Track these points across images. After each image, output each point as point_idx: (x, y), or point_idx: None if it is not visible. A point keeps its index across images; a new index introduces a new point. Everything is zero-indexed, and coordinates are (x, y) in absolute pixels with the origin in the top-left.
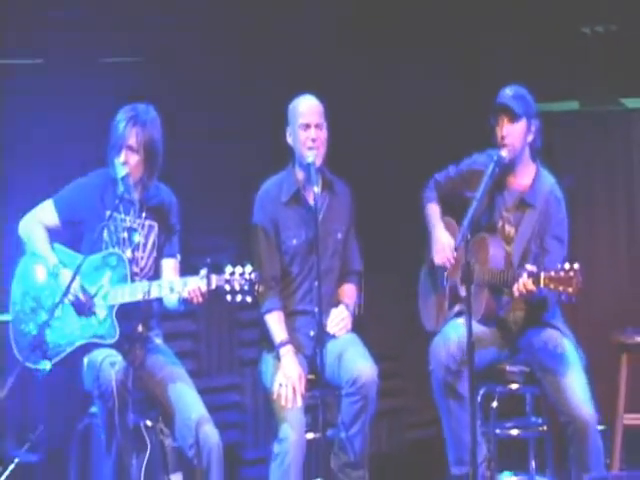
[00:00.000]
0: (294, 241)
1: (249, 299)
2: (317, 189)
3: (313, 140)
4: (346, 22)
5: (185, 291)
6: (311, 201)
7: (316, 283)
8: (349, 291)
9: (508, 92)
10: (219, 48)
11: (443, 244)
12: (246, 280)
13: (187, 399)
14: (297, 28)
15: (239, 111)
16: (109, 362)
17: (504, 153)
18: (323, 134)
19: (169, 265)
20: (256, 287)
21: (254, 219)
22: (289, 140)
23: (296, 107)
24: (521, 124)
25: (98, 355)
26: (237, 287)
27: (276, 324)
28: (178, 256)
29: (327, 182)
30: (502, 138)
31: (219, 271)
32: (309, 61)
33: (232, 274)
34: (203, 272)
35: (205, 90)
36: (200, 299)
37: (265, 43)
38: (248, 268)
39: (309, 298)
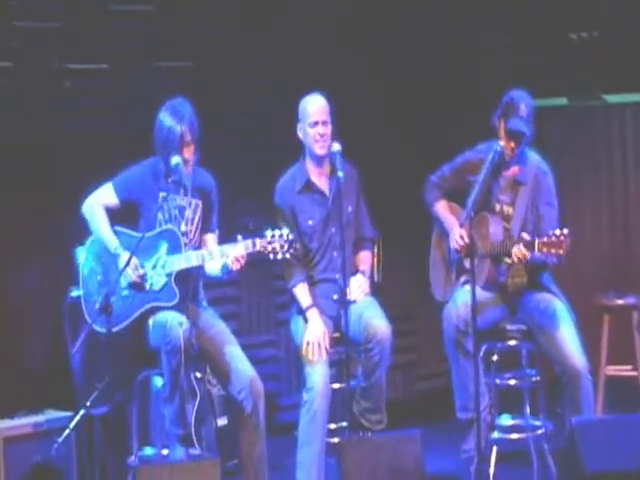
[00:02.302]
0: (310, 222)
1: (288, 255)
2: (341, 173)
3: (321, 135)
4: (347, 22)
5: (234, 254)
6: (321, 187)
7: (335, 253)
8: (365, 257)
9: (523, 110)
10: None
11: (455, 234)
12: (285, 240)
13: (235, 353)
14: (305, 31)
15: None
16: (177, 322)
17: (502, 143)
18: (329, 129)
19: (211, 239)
20: (293, 245)
21: (275, 208)
22: (300, 134)
23: (306, 106)
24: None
25: (165, 316)
26: (278, 248)
27: (302, 293)
28: (217, 231)
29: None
30: (512, 150)
31: (261, 235)
32: (318, 61)
33: (272, 236)
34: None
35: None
36: (244, 260)
37: (280, 48)
38: (285, 230)
39: (330, 267)
